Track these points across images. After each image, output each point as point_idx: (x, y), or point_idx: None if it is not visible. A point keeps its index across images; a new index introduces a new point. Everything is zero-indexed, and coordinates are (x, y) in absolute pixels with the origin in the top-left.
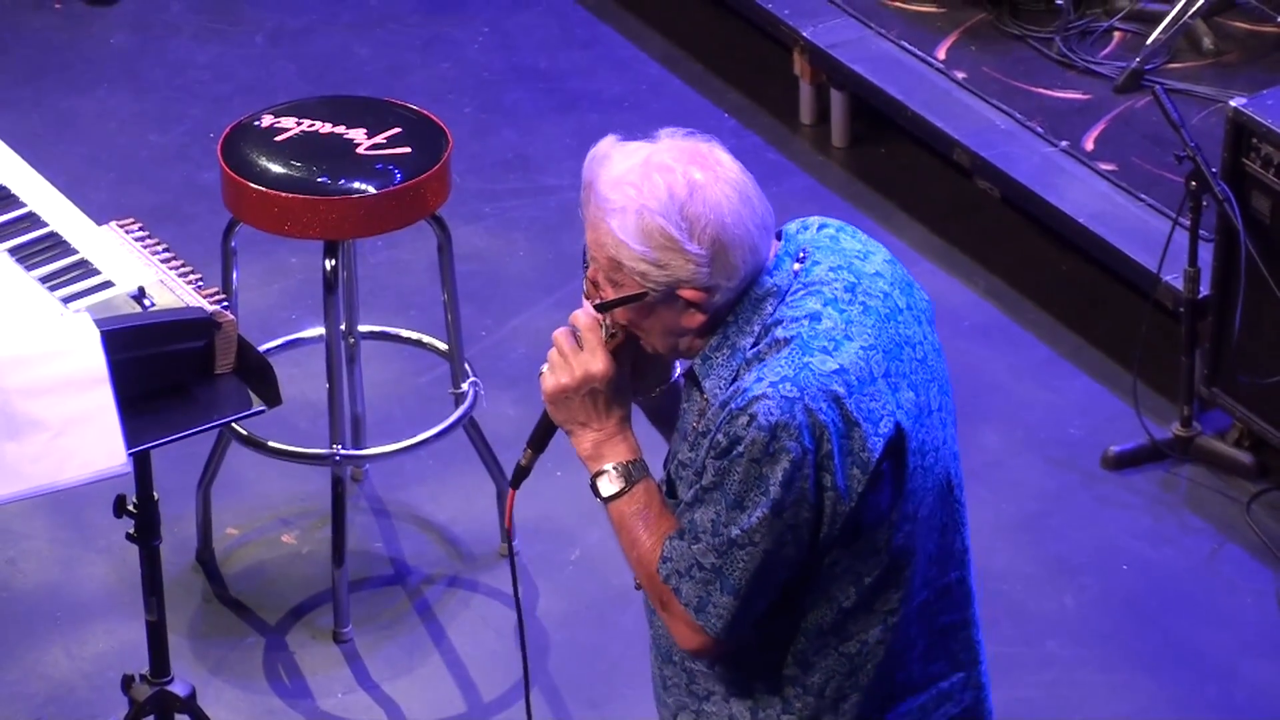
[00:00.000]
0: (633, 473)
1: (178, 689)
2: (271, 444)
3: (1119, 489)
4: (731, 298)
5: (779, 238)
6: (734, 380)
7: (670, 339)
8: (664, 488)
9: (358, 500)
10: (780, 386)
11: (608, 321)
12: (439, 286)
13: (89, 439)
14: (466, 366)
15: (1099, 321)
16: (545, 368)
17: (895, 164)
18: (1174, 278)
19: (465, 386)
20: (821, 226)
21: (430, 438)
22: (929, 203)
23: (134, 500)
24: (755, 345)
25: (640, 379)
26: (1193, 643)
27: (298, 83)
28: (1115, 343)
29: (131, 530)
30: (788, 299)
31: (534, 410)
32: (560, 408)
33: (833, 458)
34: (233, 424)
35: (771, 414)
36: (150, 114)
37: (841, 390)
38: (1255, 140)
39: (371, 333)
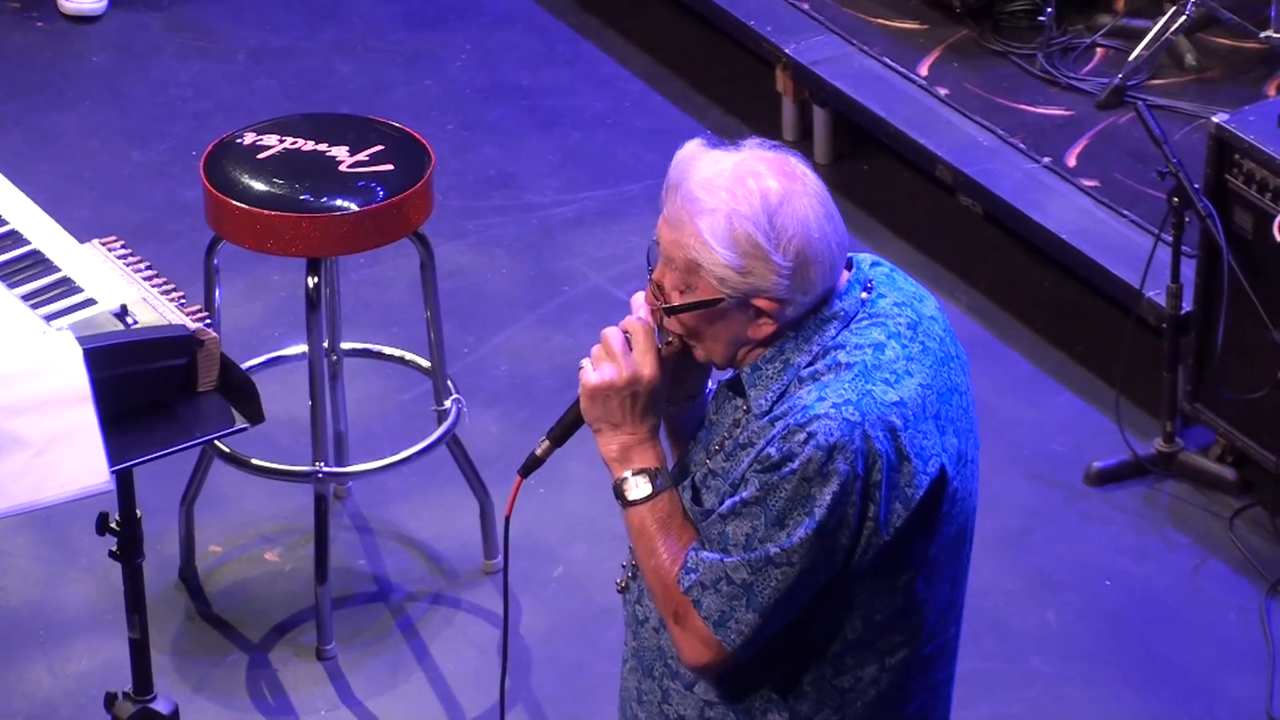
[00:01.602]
0: (659, 480)
1: (161, 707)
2: (254, 461)
3: (1102, 505)
4: (802, 313)
5: (849, 266)
6: (782, 395)
7: (731, 348)
8: (688, 499)
9: (340, 517)
10: (844, 409)
11: (665, 329)
12: (421, 304)
13: (71, 457)
14: (449, 384)
15: (1081, 337)
16: (587, 363)
17: (878, 180)
18: (1156, 294)
19: (448, 404)
20: (875, 264)
21: (413, 455)
22: (911, 219)
23: (117, 518)
24: (811, 365)
25: (675, 388)
26: (1175, 658)
27: (280, 100)
28: (1098, 359)
29: (114, 548)
30: (852, 325)
31: (516, 427)
32: (597, 404)
33: (880, 488)
34: (215, 441)
35: (832, 435)
36: (133, 132)
37: (899, 423)
38: (1237, 156)
39: (354, 350)
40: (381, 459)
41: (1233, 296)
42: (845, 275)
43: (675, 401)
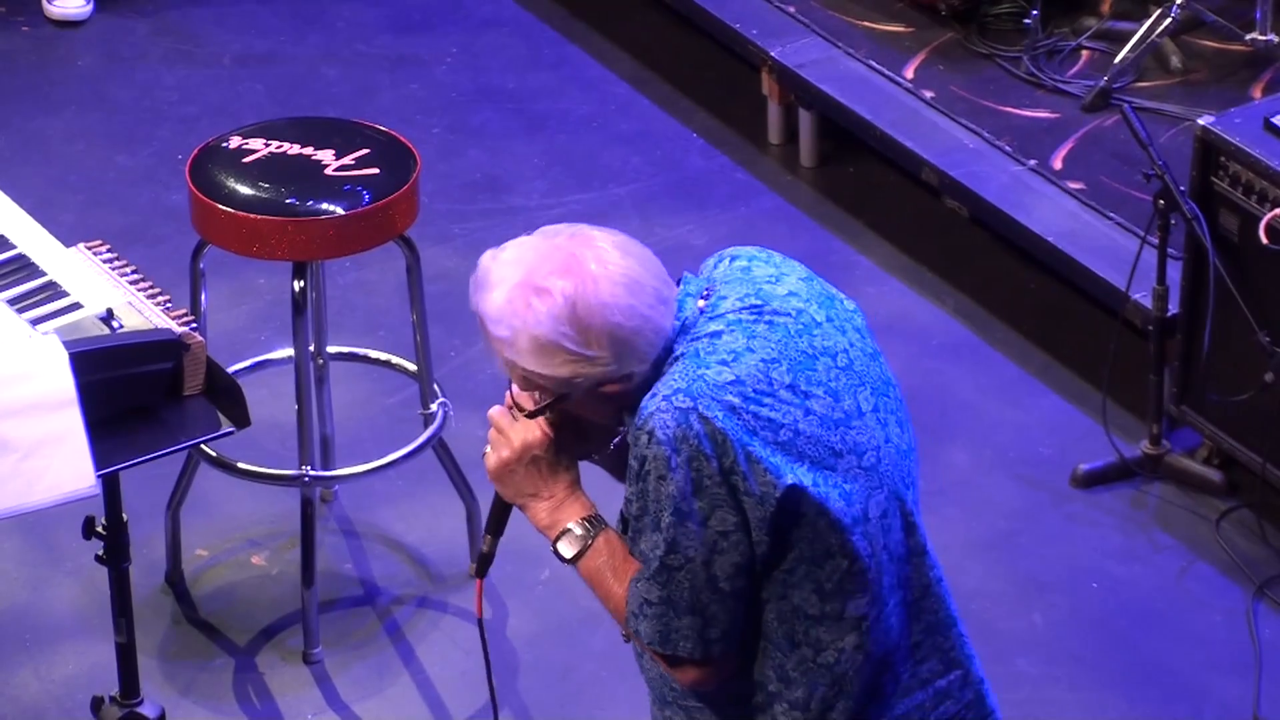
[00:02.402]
0: (589, 530)
1: (147, 711)
2: (241, 465)
3: (1088, 507)
4: (650, 370)
5: (679, 282)
6: None
7: (606, 411)
8: (627, 535)
9: (327, 521)
10: (674, 399)
11: (539, 396)
12: (408, 307)
13: (58, 461)
14: (435, 387)
15: (1068, 340)
16: (488, 448)
17: (864, 183)
18: (1143, 296)
19: (434, 407)
20: (734, 258)
21: (399, 459)
22: (897, 222)
23: (103, 522)
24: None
25: (587, 442)
26: (1162, 661)
27: (266, 104)
28: (1084, 361)
29: (101, 552)
30: (691, 331)
31: None
32: (507, 484)
33: (739, 463)
34: (202, 445)
35: (668, 427)
36: (118, 136)
37: (737, 400)
38: (1223, 159)
39: (340, 354)
40: (368, 463)
41: (1219, 299)
42: (675, 293)
43: (596, 451)
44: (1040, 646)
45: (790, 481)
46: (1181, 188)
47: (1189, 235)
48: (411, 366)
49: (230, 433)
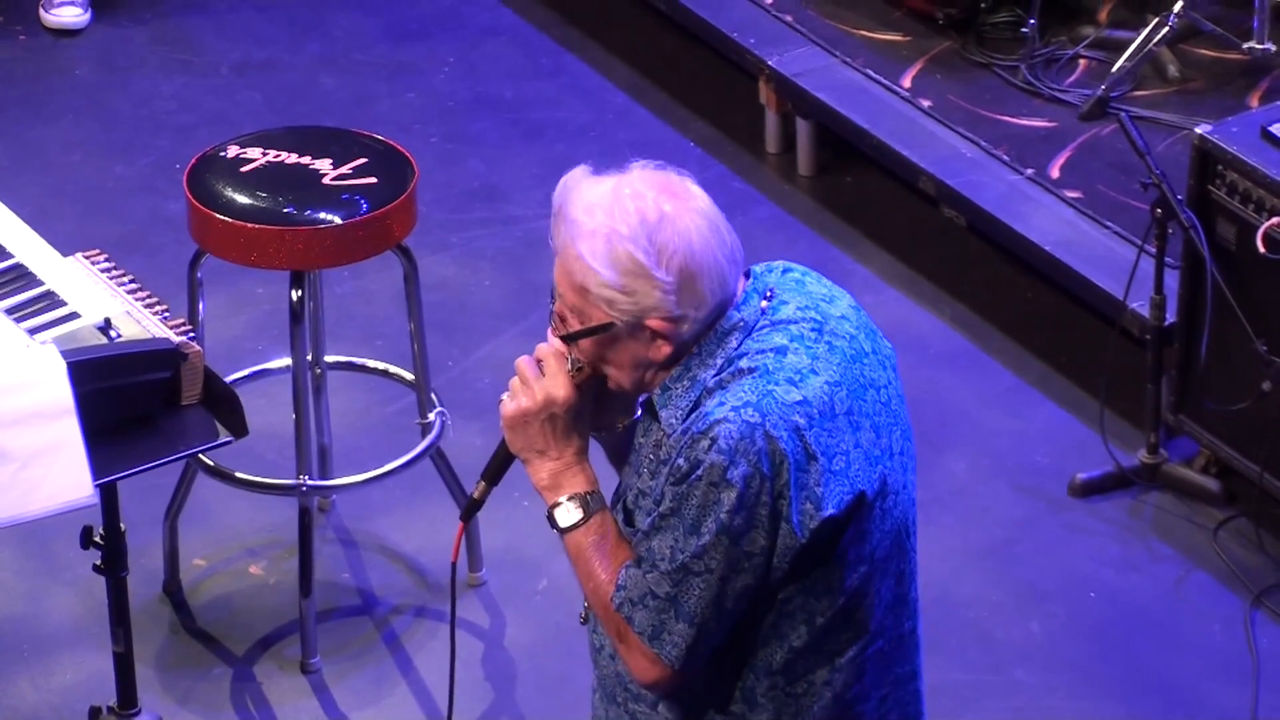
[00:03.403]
0: (590, 503)
1: None
2: (238, 475)
3: (1086, 516)
4: (698, 330)
5: (746, 276)
6: (692, 410)
7: (636, 372)
8: (620, 520)
9: (325, 531)
10: (742, 411)
11: (574, 355)
12: (405, 317)
13: (55, 470)
14: (433, 397)
15: (1065, 349)
16: (506, 395)
17: (861, 192)
18: (1140, 305)
19: (432, 417)
20: (786, 270)
21: (397, 468)
22: (895, 231)
23: (101, 531)
24: (717, 375)
25: (602, 415)
26: (1160, 670)
27: (263, 113)
28: (1081, 370)
29: (98, 561)
30: (754, 334)
31: (499, 438)
32: (519, 433)
33: (789, 488)
34: (199, 455)
35: (732, 437)
36: (116, 145)
37: (803, 422)
38: (1220, 167)
39: (338, 363)
40: (365, 472)
41: (1216, 308)
42: (743, 284)
43: (605, 427)
44: (1038, 655)
45: (829, 513)
46: (1179, 196)
47: (1186, 244)
48: (409, 376)
49: (228, 442)
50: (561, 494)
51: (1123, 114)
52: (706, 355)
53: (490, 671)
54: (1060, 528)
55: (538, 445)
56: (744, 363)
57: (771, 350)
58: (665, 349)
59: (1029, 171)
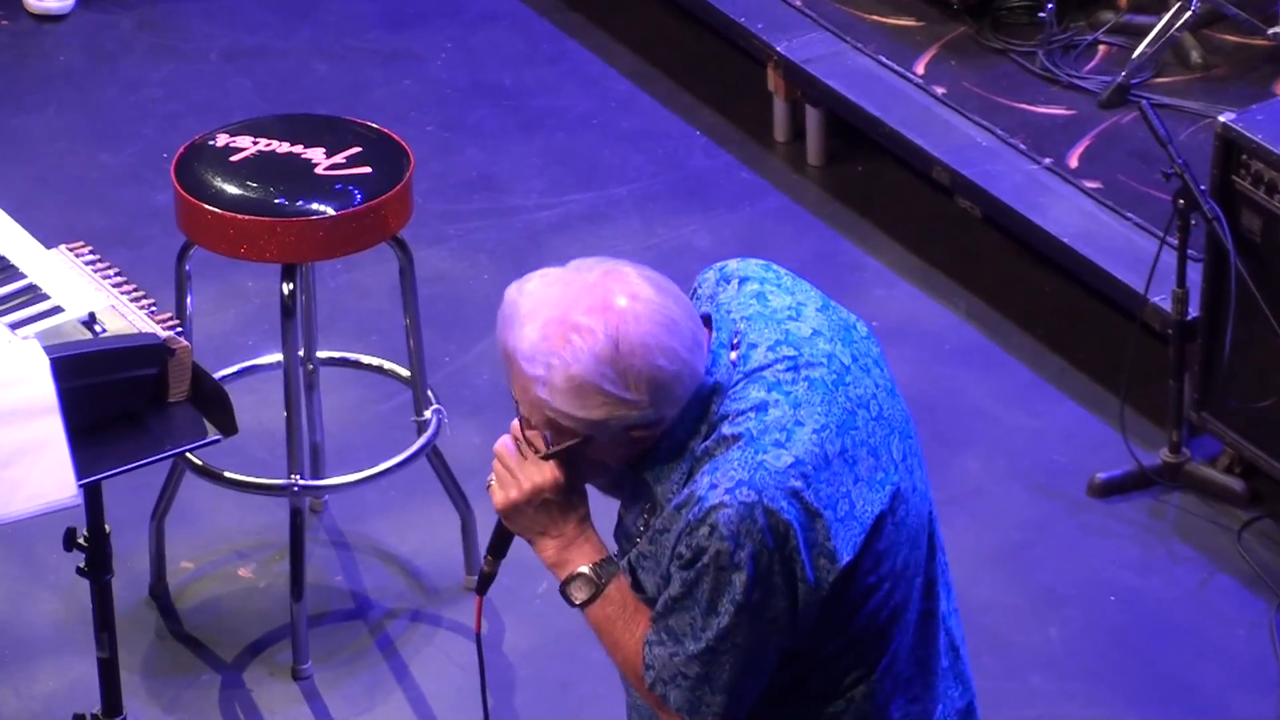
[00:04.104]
0: (601, 576)
1: None
2: (227, 474)
3: (1105, 517)
4: (676, 415)
5: (708, 323)
6: (686, 480)
7: (621, 459)
8: (628, 580)
9: (317, 532)
10: (737, 492)
11: (553, 436)
12: (400, 311)
13: (38, 470)
14: (429, 393)
15: (1084, 344)
16: (493, 480)
17: (873, 182)
18: (1162, 299)
19: (428, 414)
20: (742, 281)
21: (392, 467)
22: (907, 222)
23: (85, 533)
24: (704, 442)
25: (596, 476)
26: (1182, 677)
27: (254, 101)
28: (1101, 366)
29: (82, 564)
30: (730, 392)
31: (498, 438)
32: (515, 520)
33: (800, 551)
34: (187, 454)
35: (732, 522)
36: (101, 134)
37: (799, 484)
38: (1245, 157)
39: (331, 359)
40: (359, 471)
41: (1240, 301)
42: (707, 338)
43: (603, 488)
44: (1055, 662)
45: (847, 560)
46: (1202, 187)
47: (1210, 236)
48: (404, 372)
49: (216, 440)
50: (570, 569)
51: (1144, 101)
52: (691, 424)
53: (489, 678)
54: (1078, 529)
55: (536, 528)
56: (727, 429)
57: (752, 410)
58: (647, 441)
59: (1047, 161)
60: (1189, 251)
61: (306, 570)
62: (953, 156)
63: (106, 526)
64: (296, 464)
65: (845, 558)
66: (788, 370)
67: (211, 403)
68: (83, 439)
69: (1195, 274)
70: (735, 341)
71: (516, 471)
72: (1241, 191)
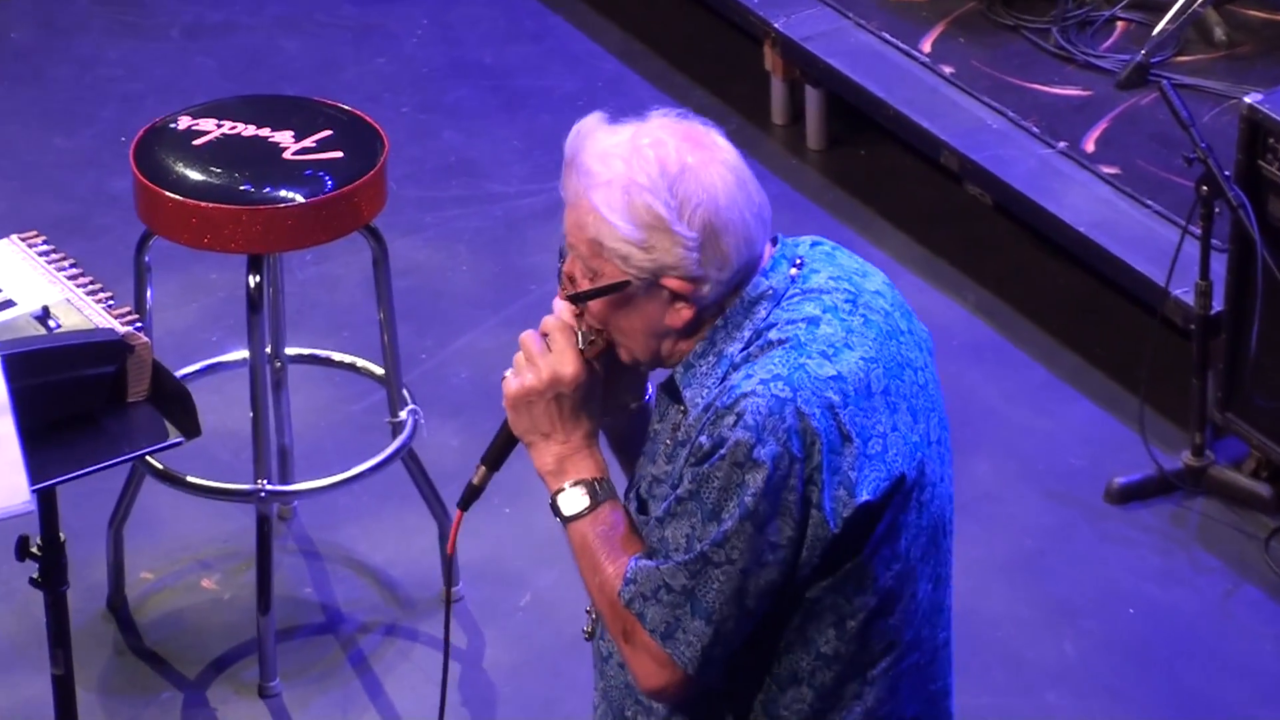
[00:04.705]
0: (598, 490)
1: None
2: (190, 479)
3: (1124, 525)
4: (722, 294)
5: (773, 243)
6: (719, 386)
7: (652, 341)
8: (634, 509)
9: (285, 541)
10: (772, 385)
11: (583, 326)
12: (374, 305)
13: None
14: (405, 393)
15: (1101, 340)
16: (509, 372)
17: (876, 168)
18: (1184, 292)
19: (403, 415)
20: (815, 243)
21: (365, 471)
22: (913, 210)
23: (38, 541)
24: (745, 349)
25: (613, 396)
26: (1206, 693)
27: (218, 81)
28: (1119, 363)
29: (36, 575)
30: (784, 303)
31: (480, 440)
32: (522, 414)
33: (821, 472)
34: (147, 457)
35: (760, 413)
36: (55, 116)
37: (837, 399)
38: (1272, 140)
39: (300, 356)
40: (330, 476)
41: (1267, 294)
42: (770, 250)
43: (613, 411)
44: (1071, 678)
45: (865, 499)
46: (1226, 172)
47: (1234, 224)
48: (379, 370)
49: (179, 443)
50: (566, 480)
51: (1164, 82)
52: (733, 327)
53: (469, 696)
54: (1095, 537)
55: (543, 428)
56: (773, 334)
57: (803, 320)
58: (685, 313)
59: (1061, 145)
60: (1213, 241)
61: (274, 581)
62: (961, 140)
63: (61, 535)
64: (263, 468)
65: (865, 495)
66: (846, 301)
67: (173, 403)
68: (36, 441)
69: (1219, 265)
70: (798, 262)
71: (538, 359)
72: (1268, 177)
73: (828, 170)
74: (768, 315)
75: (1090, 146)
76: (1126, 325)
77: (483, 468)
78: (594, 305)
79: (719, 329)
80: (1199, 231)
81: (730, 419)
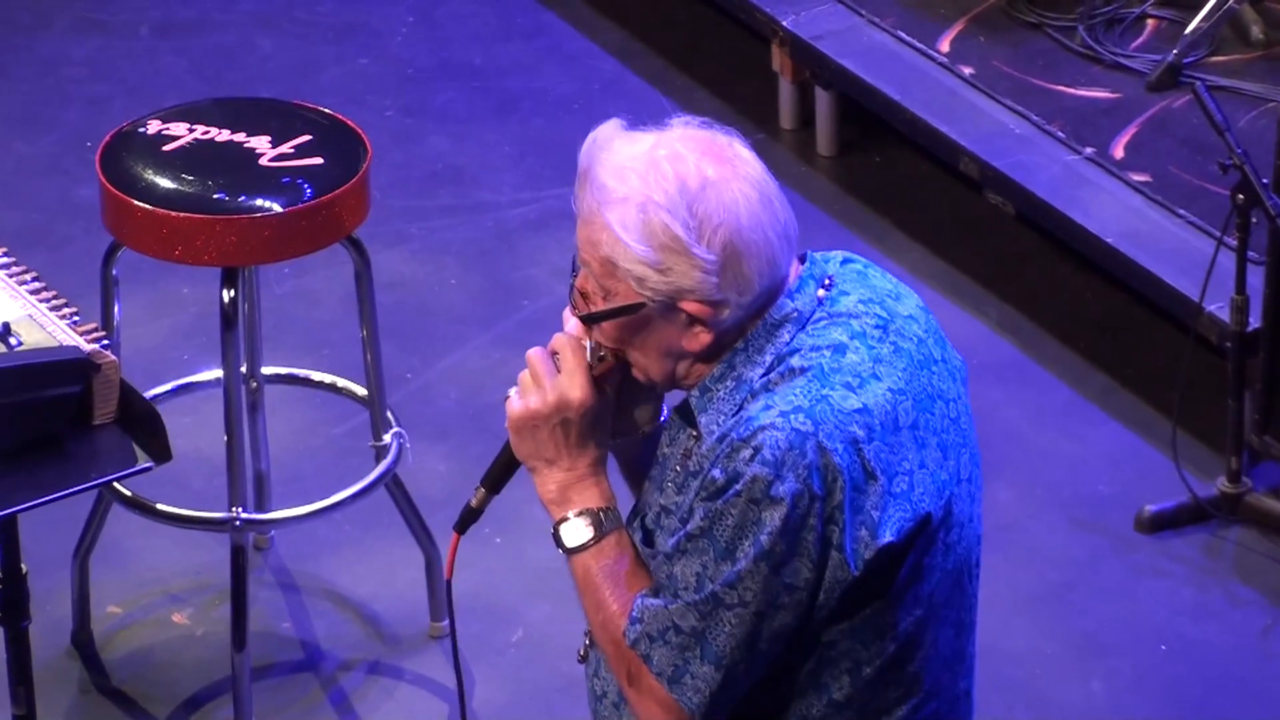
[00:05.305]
0: (604, 522)
1: None
2: (160, 507)
3: (1156, 555)
4: (743, 317)
5: (801, 260)
6: (737, 414)
7: (667, 363)
8: (639, 540)
9: (261, 573)
10: (792, 418)
11: (594, 344)
12: (356, 321)
13: None
14: (389, 415)
15: (1131, 359)
16: (513, 391)
17: (891, 175)
18: (1219, 307)
19: (387, 438)
20: (847, 260)
21: (347, 499)
22: (931, 220)
23: None
24: (765, 376)
25: (623, 418)
26: None
27: (190, 82)
28: (1150, 384)
29: None
30: (809, 327)
31: (467, 466)
32: (526, 439)
33: (843, 511)
34: (115, 483)
35: (779, 447)
36: (16, 119)
37: (861, 434)
38: None
39: (277, 376)
40: (309, 504)
41: None
42: (797, 269)
43: (625, 433)
44: (1099, 718)
45: (888, 540)
46: (1264, 180)
47: (1272, 235)
48: (361, 391)
49: (148, 468)
50: (570, 509)
51: (1198, 83)
52: (754, 351)
53: None
54: (1125, 569)
55: (547, 453)
56: (796, 360)
57: (829, 348)
58: (704, 338)
59: (1088, 151)
60: (1249, 253)
61: (250, 616)
62: (981, 146)
63: (23, 566)
64: (238, 495)
65: (887, 536)
66: (876, 327)
67: (142, 425)
68: None
69: (1256, 278)
70: (827, 283)
71: (545, 380)
72: None
73: (839, 178)
74: (791, 339)
75: (1119, 152)
76: (1158, 343)
77: (482, 489)
78: (607, 325)
79: (739, 352)
80: (1235, 243)
81: (747, 453)
